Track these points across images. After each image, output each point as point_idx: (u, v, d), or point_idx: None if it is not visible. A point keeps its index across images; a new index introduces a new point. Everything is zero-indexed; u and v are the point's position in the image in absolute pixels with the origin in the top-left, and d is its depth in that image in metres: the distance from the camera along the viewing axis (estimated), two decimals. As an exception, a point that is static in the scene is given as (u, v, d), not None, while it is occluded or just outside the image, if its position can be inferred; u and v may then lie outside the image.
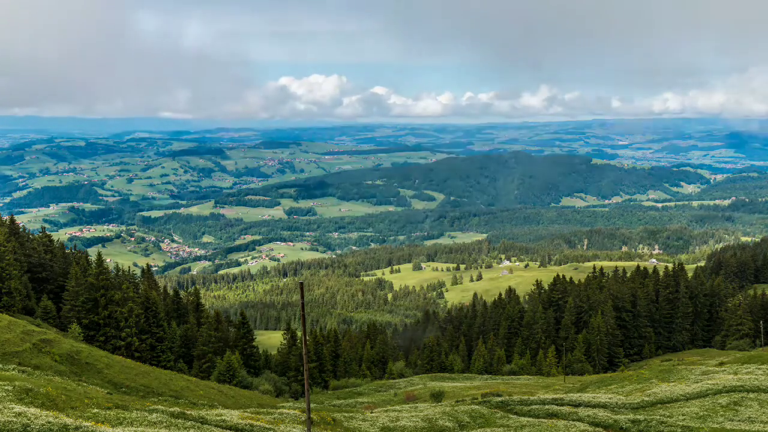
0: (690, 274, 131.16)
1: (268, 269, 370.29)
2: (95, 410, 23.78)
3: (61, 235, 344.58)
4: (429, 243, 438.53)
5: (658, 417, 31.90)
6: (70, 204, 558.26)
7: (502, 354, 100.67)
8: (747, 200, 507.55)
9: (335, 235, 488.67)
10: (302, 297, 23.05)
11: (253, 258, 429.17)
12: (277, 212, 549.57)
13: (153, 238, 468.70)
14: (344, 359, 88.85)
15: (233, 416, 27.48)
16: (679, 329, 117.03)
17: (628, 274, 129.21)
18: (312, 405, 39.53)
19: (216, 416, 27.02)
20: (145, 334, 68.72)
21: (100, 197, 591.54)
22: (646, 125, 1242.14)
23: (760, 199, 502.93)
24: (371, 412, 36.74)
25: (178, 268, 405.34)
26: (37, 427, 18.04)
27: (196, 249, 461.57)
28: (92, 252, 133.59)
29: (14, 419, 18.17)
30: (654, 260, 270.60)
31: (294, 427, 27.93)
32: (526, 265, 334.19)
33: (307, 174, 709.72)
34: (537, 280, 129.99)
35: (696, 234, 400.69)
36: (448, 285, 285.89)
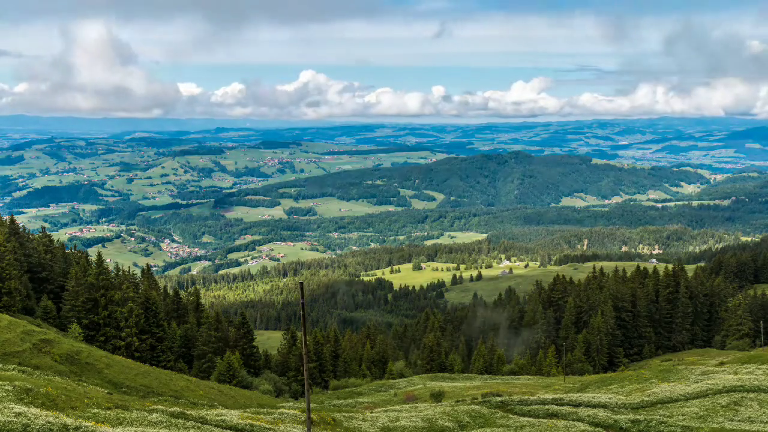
0: (690, 274, 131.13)
1: (268, 269, 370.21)
2: (95, 410, 23.78)
3: (61, 235, 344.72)
4: (429, 243, 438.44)
5: (658, 417, 31.89)
6: (70, 204, 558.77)
7: (502, 354, 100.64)
8: (747, 200, 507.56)
9: (335, 235, 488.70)
10: (302, 297, 22.99)
11: (253, 258, 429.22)
12: (277, 212, 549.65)
13: (153, 238, 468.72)
14: (344, 359, 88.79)
15: (233, 416, 27.47)
16: (679, 329, 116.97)
17: (628, 274, 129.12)
18: (312, 405, 39.52)
19: (216, 416, 27.02)
20: (145, 334, 68.66)
21: (100, 197, 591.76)
22: (646, 125, 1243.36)
23: (760, 199, 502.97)
24: (371, 412, 36.72)
25: (178, 268, 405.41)
26: (37, 427, 18.04)
27: (196, 249, 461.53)
28: (92, 252, 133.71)
29: (14, 419, 18.17)
30: (654, 260, 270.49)
31: (294, 427, 27.92)
32: (526, 265, 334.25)
33: (307, 174, 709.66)
34: (537, 280, 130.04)
35: (696, 234, 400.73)
36: (448, 285, 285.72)
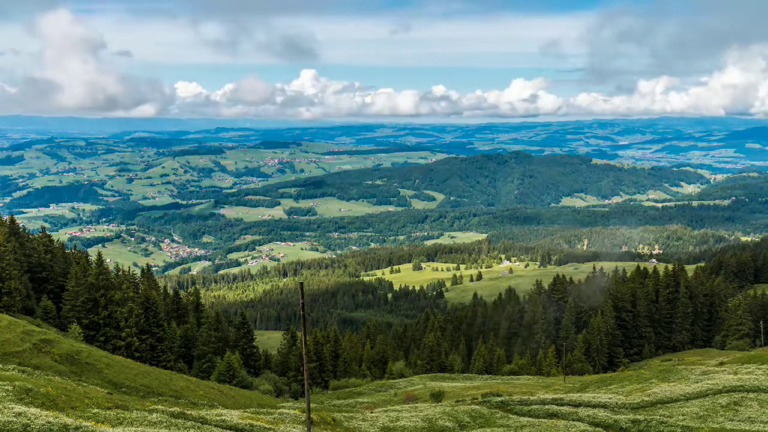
0: (690, 274, 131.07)
1: (268, 269, 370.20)
2: (95, 410, 23.77)
3: (61, 235, 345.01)
4: (429, 243, 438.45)
5: (658, 417, 31.89)
6: (70, 204, 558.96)
7: (502, 354, 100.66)
8: (747, 200, 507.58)
9: (335, 235, 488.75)
10: (302, 297, 22.97)
11: (253, 258, 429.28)
12: (277, 212, 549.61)
13: (153, 238, 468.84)
14: (344, 359, 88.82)
15: (233, 416, 27.47)
16: (679, 329, 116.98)
17: (628, 274, 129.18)
18: (312, 405, 39.53)
19: (216, 416, 27.01)
20: (145, 334, 68.65)
21: (100, 197, 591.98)
22: (646, 125, 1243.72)
23: (760, 199, 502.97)
24: (371, 412, 36.72)
25: (178, 268, 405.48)
26: (37, 427, 18.03)
27: (196, 249, 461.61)
28: (92, 252, 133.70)
29: (14, 419, 18.16)
30: (654, 260, 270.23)
31: (294, 427, 27.92)
32: (526, 265, 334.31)
33: (307, 174, 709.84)
34: (537, 280, 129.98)
35: (696, 234, 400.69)
36: (448, 285, 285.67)
